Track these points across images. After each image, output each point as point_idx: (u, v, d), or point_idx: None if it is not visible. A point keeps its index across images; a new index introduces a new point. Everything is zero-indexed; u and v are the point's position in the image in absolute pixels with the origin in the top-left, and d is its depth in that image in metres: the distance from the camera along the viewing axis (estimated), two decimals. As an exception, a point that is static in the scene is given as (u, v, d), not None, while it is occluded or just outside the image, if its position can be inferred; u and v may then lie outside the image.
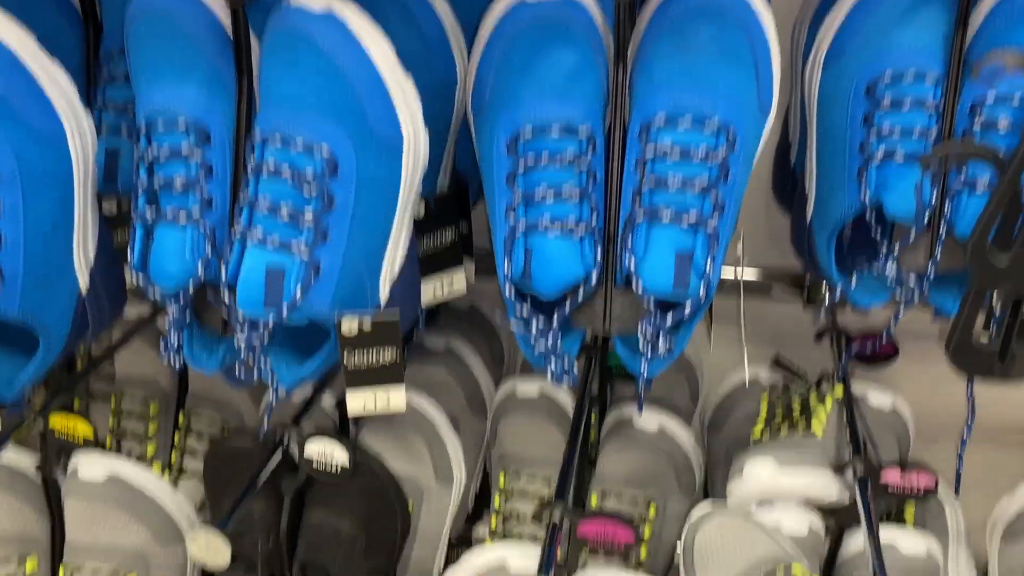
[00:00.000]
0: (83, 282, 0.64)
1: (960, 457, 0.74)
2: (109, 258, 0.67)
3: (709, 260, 0.57)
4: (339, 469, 0.72)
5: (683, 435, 0.83)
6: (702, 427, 0.96)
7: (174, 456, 0.94)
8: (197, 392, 0.95)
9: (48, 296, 0.61)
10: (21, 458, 0.80)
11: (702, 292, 0.57)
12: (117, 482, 0.77)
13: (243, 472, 0.75)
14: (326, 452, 0.72)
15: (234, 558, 0.75)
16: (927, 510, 0.84)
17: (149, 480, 0.78)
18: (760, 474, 0.70)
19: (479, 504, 0.99)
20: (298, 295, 0.58)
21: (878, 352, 0.84)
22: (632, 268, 0.57)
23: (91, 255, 0.64)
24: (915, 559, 0.71)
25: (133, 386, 0.94)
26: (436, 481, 0.85)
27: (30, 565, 0.79)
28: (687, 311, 0.58)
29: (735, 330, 0.82)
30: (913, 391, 0.91)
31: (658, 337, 0.60)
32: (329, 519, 0.74)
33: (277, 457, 0.71)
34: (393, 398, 0.65)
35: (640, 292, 0.58)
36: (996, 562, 0.80)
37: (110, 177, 0.75)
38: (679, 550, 0.71)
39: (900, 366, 0.91)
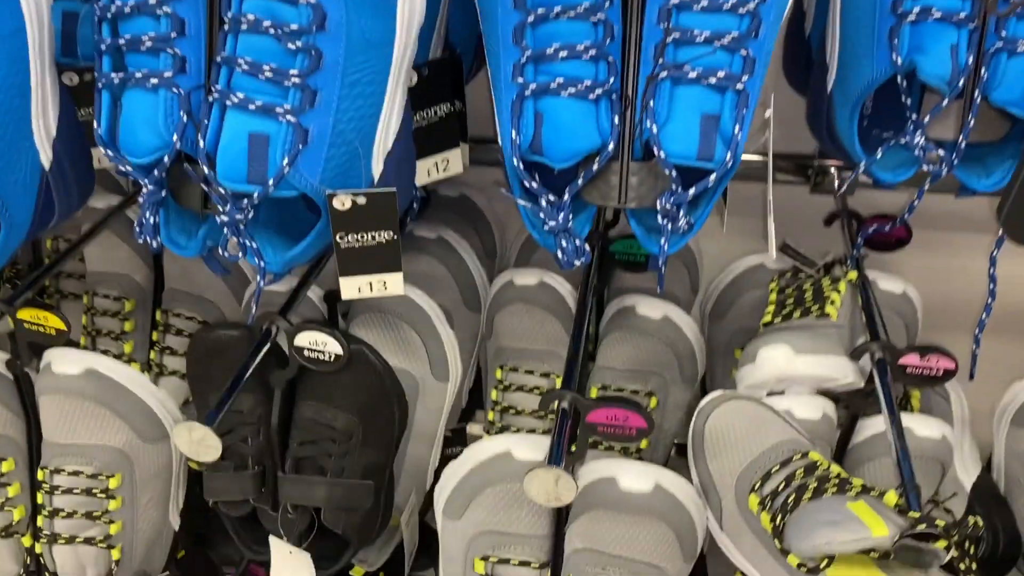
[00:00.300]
0: (45, 156, 0.58)
1: (977, 339, 0.72)
2: (74, 132, 0.61)
3: (737, 124, 0.52)
4: (333, 358, 0.68)
5: (687, 323, 0.80)
6: (702, 317, 0.93)
7: (153, 355, 0.89)
8: (174, 288, 0.90)
9: (6, 169, 0.55)
10: (-11, 356, 0.75)
11: (728, 159, 0.53)
12: (94, 376, 0.72)
13: (229, 364, 0.71)
14: (318, 342, 0.68)
15: (223, 455, 0.72)
16: (933, 397, 0.82)
17: (128, 374, 0.74)
18: (776, 358, 0.67)
19: (471, 402, 0.96)
20: (285, 165, 0.52)
21: (891, 235, 0.81)
22: (654, 132, 0.52)
23: (52, 126, 0.58)
24: (929, 441, 0.69)
25: (105, 283, 0.89)
26: (432, 376, 0.82)
27: (6, 467, 0.75)
28: (711, 181, 0.54)
29: (738, 219, 0.78)
30: (919, 281, 0.89)
31: (678, 212, 0.55)
32: (324, 413, 0.70)
33: (266, 347, 0.67)
34: (390, 282, 0.61)
35: (662, 160, 0.53)
36: (1003, 446, 0.79)
37: (68, 47, 0.68)
38: (688, 437, 0.69)
39: (907, 255, 0.88)
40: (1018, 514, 0.77)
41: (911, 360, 0.67)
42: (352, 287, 0.61)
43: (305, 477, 0.70)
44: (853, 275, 0.74)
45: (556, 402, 0.62)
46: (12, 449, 0.76)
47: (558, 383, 0.84)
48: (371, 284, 0.61)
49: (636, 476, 0.62)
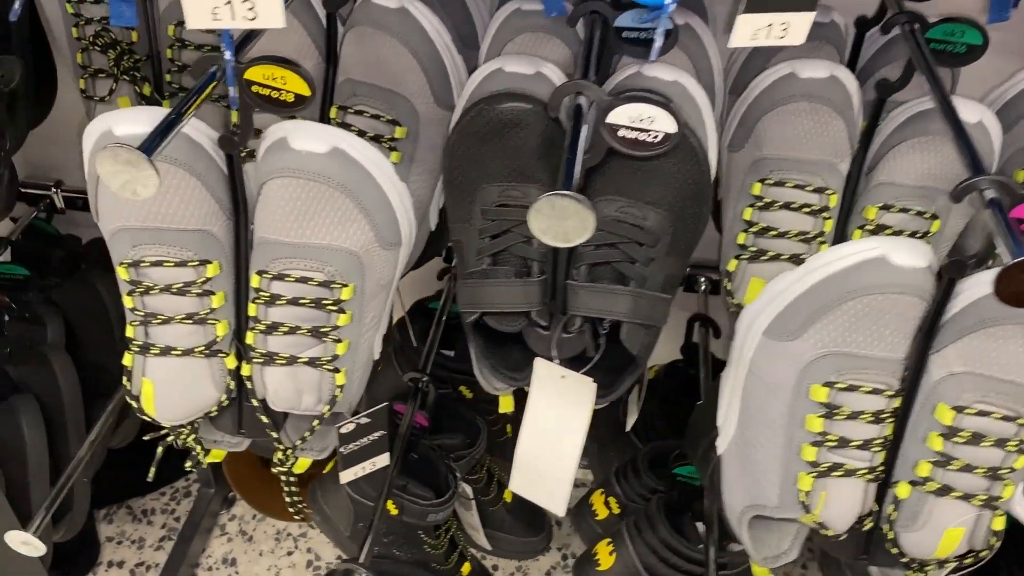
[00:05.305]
0: None
1: None
2: None
3: None
4: (660, 139, 0.55)
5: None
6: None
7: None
8: (355, 80, 0.74)
9: None
10: (197, 128, 0.59)
11: None
12: (342, 158, 0.58)
13: (511, 147, 0.57)
14: (643, 117, 0.54)
15: (496, 259, 0.59)
16: None
17: (375, 158, 0.59)
18: None
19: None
20: None
21: None
22: None
23: None
24: None
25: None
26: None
27: (211, 271, 0.61)
28: None
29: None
30: None
31: None
32: (630, 210, 0.58)
33: (586, 126, 0.53)
34: (795, 25, 0.48)
35: None
36: None
37: None
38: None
39: None
40: None
41: None
42: (748, 29, 0.47)
43: (605, 286, 0.58)
44: None
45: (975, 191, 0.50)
46: (217, 250, 0.62)
47: (832, 201, 0.72)
48: (770, 26, 0.47)
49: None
